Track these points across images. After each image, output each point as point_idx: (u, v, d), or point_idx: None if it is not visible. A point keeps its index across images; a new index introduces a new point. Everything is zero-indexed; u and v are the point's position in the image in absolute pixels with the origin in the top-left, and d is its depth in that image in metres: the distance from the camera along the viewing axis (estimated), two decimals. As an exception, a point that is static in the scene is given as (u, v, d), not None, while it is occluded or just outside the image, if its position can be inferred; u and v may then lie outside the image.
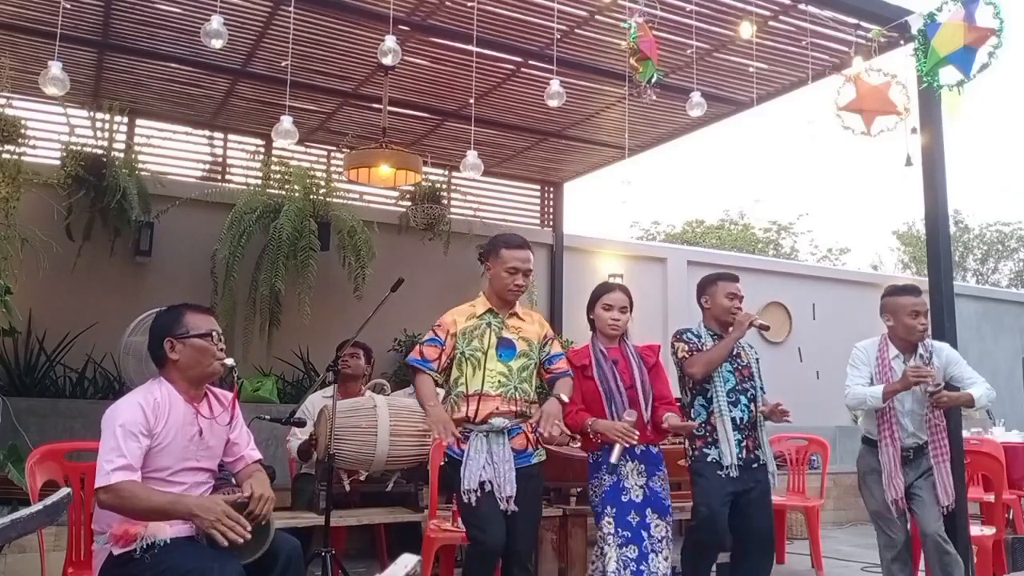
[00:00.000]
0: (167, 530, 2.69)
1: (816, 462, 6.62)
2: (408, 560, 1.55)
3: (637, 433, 3.49)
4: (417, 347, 3.55)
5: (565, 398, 3.45)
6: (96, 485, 2.64)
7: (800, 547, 6.07)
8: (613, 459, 3.49)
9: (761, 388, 3.96)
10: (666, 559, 3.57)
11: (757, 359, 4.05)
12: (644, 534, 3.56)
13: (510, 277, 3.50)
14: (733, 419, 3.81)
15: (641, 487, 3.63)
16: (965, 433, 4.84)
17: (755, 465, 3.85)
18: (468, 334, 3.48)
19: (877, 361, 3.98)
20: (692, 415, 3.90)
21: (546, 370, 3.59)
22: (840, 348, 9.41)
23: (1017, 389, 11.24)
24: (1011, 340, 11.57)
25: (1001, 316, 11.60)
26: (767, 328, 3.98)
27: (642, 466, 3.65)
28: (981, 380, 3.98)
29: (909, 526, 3.96)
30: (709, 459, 3.79)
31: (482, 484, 3.29)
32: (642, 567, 3.51)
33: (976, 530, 4.69)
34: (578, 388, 3.66)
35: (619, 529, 3.55)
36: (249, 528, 2.65)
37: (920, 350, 3.98)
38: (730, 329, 3.92)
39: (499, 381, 3.42)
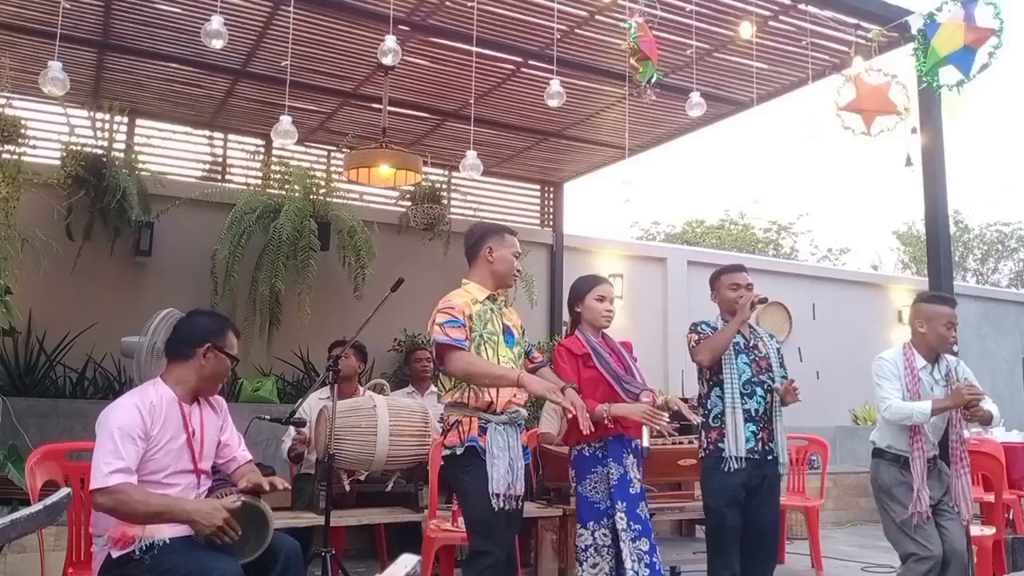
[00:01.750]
0: (166, 530, 2.69)
1: (816, 462, 6.62)
2: (408, 560, 1.55)
3: (666, 414, 3.42)
4: (441, 329, 3.20)
5: (575, 384, 3.30)
6: (92, 487, 2.63)
7: (800, 547, 6.07)
8: (646, 442, 3.41)
9: (783, 378, 3.89)
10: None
11: (778, 349, 4.00)
12: (651, 526, 3.50)
13: (516, 261, 3.44)
14: (748, 411, 3.77)
15: (639, 480, 3.57)
16: (965, 433, 4.83)
17: (769, 458, 3.80)
18: (482, 317, 3.29)
19: (906, 371, 3.88)
20: (708, 406, 3.86)
21: (529, 359, 3.49)
22: (840, 348, 9.49)
23: (1017, 389, 11.24)
24: (1011, 340, 11.57)
25: (1001, 316, 11.60)
26: (765, 300, 3.92)
27: (635, 460, 3.60)
28: (988, 398, 3.98)
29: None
30: (724, 453, 3.73)
31: (509, 486, 3.09)
32: (654, 558, 3.44)
33: (976, 530, 4.68)
34: (575, 377, 3.55)
35: (631, 523, 3.45)
36: (239, 531, 2.66)
37: (946, 361, 3.94)
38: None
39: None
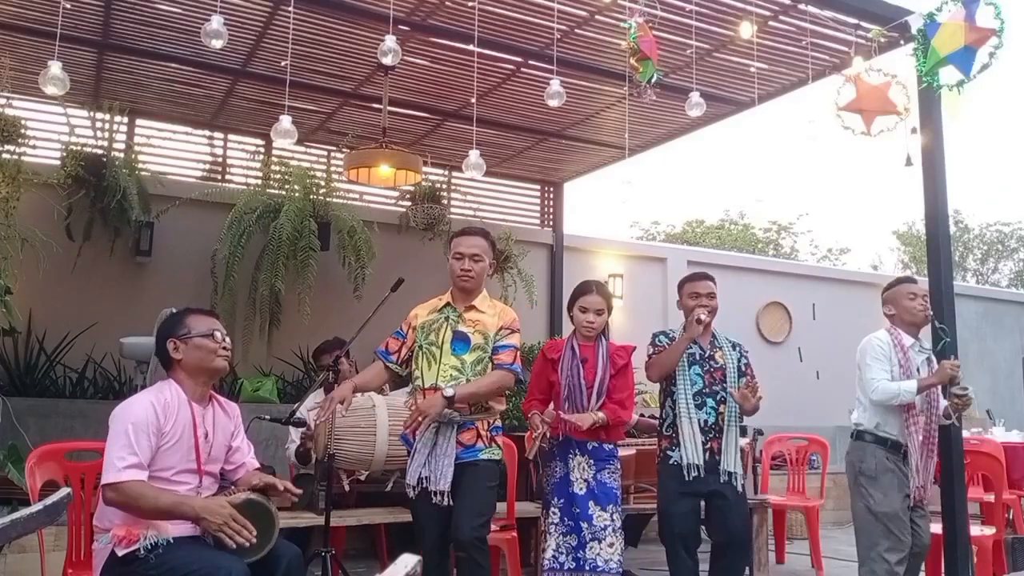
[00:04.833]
0: (171, 529, 2.71)
1: (816, 462, 6.62)
2: (408, 560, 1.55)
3: (546, 430, 3.63)
4: (386, 338, 3.74)
5: (450, 392, 3.36)
6: (104, 482, 2.67)
7: (800, 547, 6.07)
8: (528, 454, 3.75)
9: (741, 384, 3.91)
10: (610, 546, 3.70)
11: (740, 359, 3.99)
12: (583, 525, 3.70)
13: (456, 263, 3.61)
14: (696, 421, 3.84)
15: (586, 480, 3.76)
16: (965, 433, 4.84)
17: (719, 468, 3.86)
18: (426, 328, 3.60)
19: (897, 350, 3.93)
20: (663, 415, 4.01)
21: (491, 358, 3.56)
22: (840, 348, 9.44)
23: (1017, 389, 11.23)
24: (1011, 340, 11.56)
25: (1001, 316, 11.59)
26: (700, 321, 3.86)
27: (591, 460, 3.78)
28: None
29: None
30: (671, 461, 3.88)
31: (420, 480, 3.39)
32: (579, 554, 3.68)
33: (976, 530, 4.69)
34: (545, 378, 3.85)
35: (564, 518, 3.74)
36: (254, 532, 2.68)
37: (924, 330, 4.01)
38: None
39: (451, 375, 3.46)
